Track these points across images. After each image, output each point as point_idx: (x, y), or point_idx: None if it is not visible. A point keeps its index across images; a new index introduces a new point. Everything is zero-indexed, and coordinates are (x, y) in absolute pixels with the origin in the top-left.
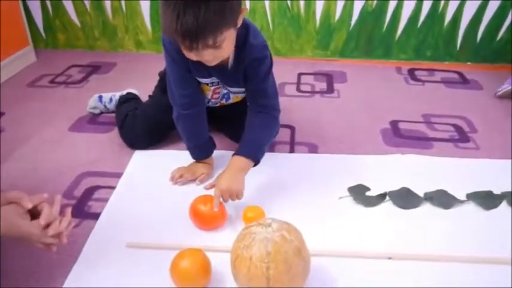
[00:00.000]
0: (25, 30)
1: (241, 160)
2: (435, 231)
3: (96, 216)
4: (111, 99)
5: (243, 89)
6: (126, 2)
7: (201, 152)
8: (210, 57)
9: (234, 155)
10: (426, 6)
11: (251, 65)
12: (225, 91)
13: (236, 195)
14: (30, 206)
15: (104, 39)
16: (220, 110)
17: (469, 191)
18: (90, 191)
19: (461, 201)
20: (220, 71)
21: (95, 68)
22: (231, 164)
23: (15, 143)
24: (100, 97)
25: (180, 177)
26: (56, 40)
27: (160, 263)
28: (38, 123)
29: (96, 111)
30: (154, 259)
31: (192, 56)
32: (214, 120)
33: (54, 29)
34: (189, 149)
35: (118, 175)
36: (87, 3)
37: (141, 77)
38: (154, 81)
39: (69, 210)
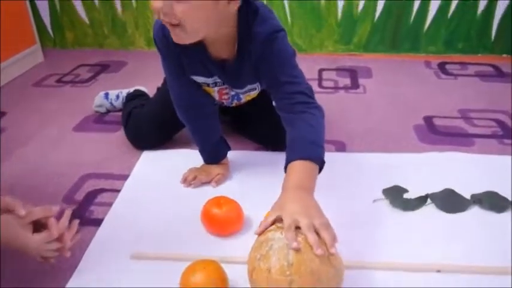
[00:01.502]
0: (32, 28)
1: (300, 168)
2: (489, 239)
3: (98, 222)
4: (117, 97)
5: (253, 86)
6: None
7: (211, 156)
8: (165, 8)
9: (286, 166)
10: None
11: (267, 59)
12: (233, 93)
13: (323, 228)
14: (23, 213)
15: (113, 37)
16: (236, 109)
17: None
18: (92, 194)
19: None
20: (221, 68)
21: (103, 67)
22: (289, 181)
23: (17, 143)
24: (106, 94)
25: (194, 179)
26: (64, 39)
27: (169, 277)
28: (41, 122)
29: (102, 109)
30: (162, 272)
31: (154, 6)
32: (229, 119)
33: (62, 27)
34: (200, 152)
35: (124, 177)
36: None
37: (152, 76)
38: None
39: (75, 223)
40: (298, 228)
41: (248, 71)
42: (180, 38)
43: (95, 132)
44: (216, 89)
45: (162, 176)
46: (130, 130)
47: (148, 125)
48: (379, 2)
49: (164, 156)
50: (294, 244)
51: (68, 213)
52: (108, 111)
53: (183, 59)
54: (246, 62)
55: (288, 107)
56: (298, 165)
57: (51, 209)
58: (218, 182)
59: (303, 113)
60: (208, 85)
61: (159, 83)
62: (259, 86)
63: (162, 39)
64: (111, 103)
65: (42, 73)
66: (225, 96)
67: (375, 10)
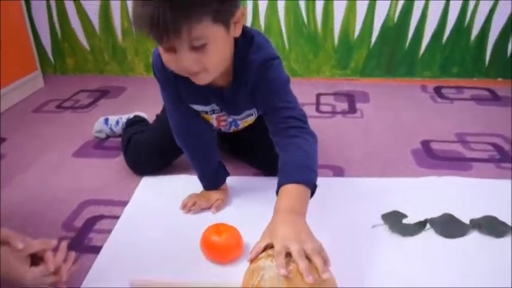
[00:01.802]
0: (33, 54)
1: (292, 192)
2: (488, 264)
3: (96, 250)
4: (117, 122)
5: (250, 112)
6: None
7: (210, 182)
8: (190, 62)
9: (278, 190)
10: (451, 20)
11: (262, 86)
12: (230, 119)
13: (314, 253)
14: (21, 247)
15: (113, 63)
16: (233, 135)
17: None
18: (91, 221)
19: None
20: (219, 96)
21: (103, 93)
22: (281, 204)
23: (16, 169)
24: (106, 120)
25: (193, 205)
26: (64, 65)
27: None
28: (41, 148)
29: (102, 135)
30: None
31: (172, 62)
32: (227, 145)
33: (63, 53)
34: (199, 178)
35: (123, 203)
36: (96, 25)
37: (151, 102)
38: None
39: (72, 255)
40: (289, 254)
41: (244, 97)
42: (205, 79)
43: (95, 158)
44: (214, 116)
45: (161, 202)
46: (129, 156)
47: (148, 151)
48: (374, 29)
49: (164, 182)
50: (282, 271)
51: (63, 245)
52: (108, 136)
53: (181, 88)
54: (242, 88)
55: (281, 131)
56: (290, 189)
57: (49, 243)
58: (218, 208)
59: (296, 138)
60: (206, 113)
61: (158, 109)
62: (255, 112)
63: (161, 70)
64: (110, 129)
65: (43, 99)
66: (223, 123)
67: (370, 36)
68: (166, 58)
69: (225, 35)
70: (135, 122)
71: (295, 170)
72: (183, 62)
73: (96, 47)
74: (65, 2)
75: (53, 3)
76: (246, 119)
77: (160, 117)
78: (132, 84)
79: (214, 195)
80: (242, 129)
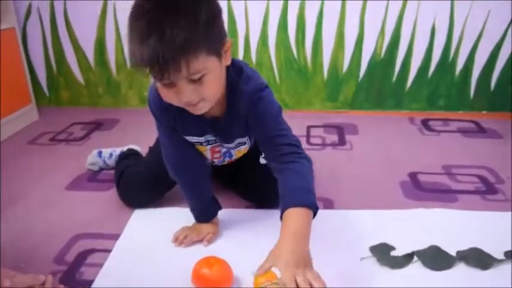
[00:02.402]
0: (28, 88)
1: (296, 215)
2: None
3: (88, 283)
4: (111, 155)
5: (243, 140)
6: None
7: (202, 215)
8: (190, 93)
9: (281, 215)
10: (436, 56)
11: (255, 114)
12: (224, 149)
13: (315, 279)
14: (8, 284)
15: (107, 96)
16: (227, 167)
17: (506, 249)
18: (83, 255)
19: (500, 261)
20: (213, 125)
21: (97, 125)
22: (286, 229)
23: (7, 203)
24: (99, 152)
25: (185, 238)
26: (59, 97)
27: None
28: (33, 181)
29: (95, 167)
30: None
31: (171, 96)
32: (220, 177)
33: (58, 87)
34: (191, 210)
35: (115, 237)
36: (91, 59)
37: (144, 132)
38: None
39: None
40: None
41: (237, 126)
42: (203, 109)
43: (88, 190)
44: (208, 147)
45: (153, 234)
46: (121, 189)
47: (140, 184)
48: (362, 63)
49: (155, 215)
50: None
51: (50, 279)
52: (101, 169)
53: (178, 121)
54: (235, 118)
55: (277, 158)
56: (294, 213)
57: (38, 278)
58: (209, 241)
59: (293, 163)
60: (201, 144)
61: (151, 141)
62: (248, 141)
63: (157, 105)
64: (104, 161)
65: (37, 131)
66: (217, 155)
67: (358, 70)
68: (165, 93)
69: (219, 65)
70: (128, 155)
71: (297, 194)
72: (183, 94)
73: (91, 81)
74: (61, 36)
75: (48, 38)
76: (239, 147)
77: (153, 150)
78: (125, 116)
79: (206, 228)
80: (235, 160)
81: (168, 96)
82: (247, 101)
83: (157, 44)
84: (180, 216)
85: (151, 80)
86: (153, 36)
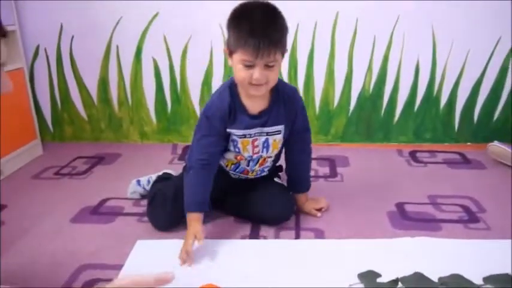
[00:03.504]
0: (34, 124)
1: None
2: None
3: None
4: (148, 181)
5: (279, 129)
6: (132, 94)
7: (196, 206)
8: (263, 76)
9: (299, 191)
10: (421, 91)
11: (293, 108)
12: (263, 138)
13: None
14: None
15: (109, 131)
16: (247, 182)
17: (485, 274)
18: (89, 284)
19: (479, 286)
20: (259, 117)
21: (99, 159)
22: (304, 196)
23: (16, 235)
24: (138, 181)
25: (187, 253)
26: (63, 133)
27: None
28: (39, 215)
29: (136, 195)
30: None
31: (248, 75)
32: (226, 194)
33: (62, 122)
34: (187, 199)
35: (119, 267)
36: (94, 96)
37: (144, 167)
38: (157, 171)
39: None
40: None
41: (278, 115)
42: (262, 91)
43: (91, 223)
44: (250, 140)
45: (154, 265)
46: (150, 209)
47: (166, 202)
48: (352, 98)
49: (156, 246)
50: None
51: None
52: (142, 196)
53: (235, 118)
54: (276, 109)
55: (303, 144)
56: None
57: None
58: (200, 239)
59: (309, 149)
60: (245, 136)
61: (150, 172)
62: (283, 130)
63: (219, 108)
64: (144, 188)
65: (42, 166)
66: (256, 149)
67: (348, 105)
68: (243, 72)
69: (281, 63)
70: (162, 179)
71: (305, 184)
72: (257, 75)
73: (94, 117)
74: (66, 75)
75: (54, 77)
76: (275, 136)
77: (181, 177)
78: (126, 151)
79: (192, 228)
80: (255, 177)
81: (242, 75)
82: (289, 98)
83: (263, 36)
84: (180, 247)
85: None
86: (260, 31)
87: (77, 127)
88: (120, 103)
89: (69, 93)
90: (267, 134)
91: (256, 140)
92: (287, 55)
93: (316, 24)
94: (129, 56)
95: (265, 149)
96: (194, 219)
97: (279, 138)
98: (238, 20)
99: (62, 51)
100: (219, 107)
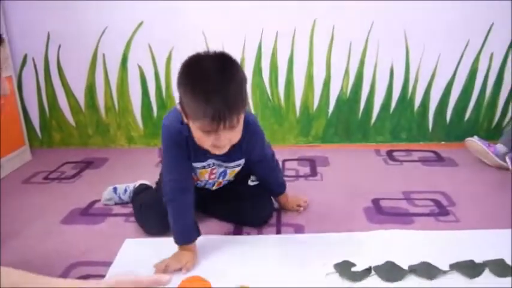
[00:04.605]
0: (22, 130)
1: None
2: None
3: None
4: (125, 190)
5: (240, 162)
6: (119, 100)
7: (185, 237)
8: (226, 140)
9: (277, 195)
10: (396, 93)
11: (251, 141)
12: (221, 169)
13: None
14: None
15: (97, 136)
16: (218, 190)
17: (452, 262)
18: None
19: (445, 272)
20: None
21: (87, 164)
22: (284, 196)
23: (7, 236)
24: (115, 188)
25: (166, 267)
26: (51, 139)
27: None
28: (30, 217)
29: (111, 202)
30: None
31: (209, 141)
32: (205, 203)
33: (50, 129)
34: (174, 233)
35: (108, 264)
36: (81, 103)
37: (132, 170)
38: (144, 173)
39: None
40: None
41: (237, 152)
42: (225, 150)
43: (81, 224)
44: (208, 169)
45: (142, 262)
46: (144, 221)
47: (155, 211)
48: (330, 101)
49: (144, 244)
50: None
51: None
52: (116, 203)
53: (191, 150)
54: (237, 146)
55: (265, 163)
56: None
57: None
58: (188, 269)
59: (273, 164)
60: (203, 167)
61: (138, 176)
62: (243, 163)
63: (178, 135)
64: (119, 197)
65: (31, 171)
66: (213, 176)
67: (327, 108)
68: (202, 138)
69: (243, 118)
70: (141, 191)
71: (280, 187)
72: (222, 140)
73: (81, 123)
74: (54, 83)
75: (42, 84)
76: (235, 168)
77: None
78: (114, 155)
79: (185, 257)
80: (224, 185)
81: (202, 140)
82: (250, 130)
83: (221, 104)
84: (167, 245)
85: (171, 112)
86: (217, 98)
87: (65, 133)
88: (107, 109)
89: (57, 100)
90: (226, 167)
91: (215, 169)
92: (267, 61)
93: (295, 32)
94: (115, 63)
95: (222, 177)
96: (187, 248)
97: (238, 168)
98: (192, 81)
99: (49, 59)
100: (181, 133)
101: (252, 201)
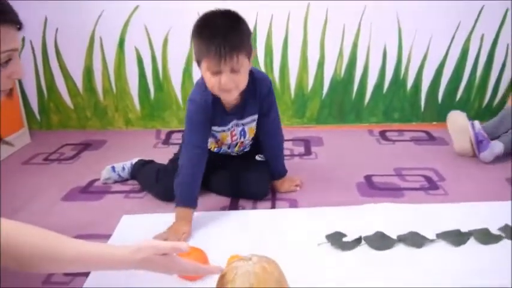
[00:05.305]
0: (21, 113)
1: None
2: (409, 269)
3: (85, 274)
4: (123, 168)
5: (254, 118)
6: (116, 83)
7: (187, 201)
8: (232, 83)
9: (278, 178)
10: (389, 74)
11: (267, 100)
12: (240, 128)
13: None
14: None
15: (95, 119)
16: (233, 158)
17: (439, 231)
18: None
19: (432, 240)
20: (235, 110)
21: (86, 146)
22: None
23: (9, 212)
24: (113, 167)
25: (165, 240)
26: (49, 121)
27: None
28: (31, 196)
29: (110, 181)
30: None
31: (217, 83)
32: (208, 175)
33: (48, 111)
34: (178, 195)
35: (107, 237)
36: (79, 86)
37: (130, 152)
38: (142, 155)
39: None
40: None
41: (252, 106)
42: (233, 95)
43: (81, 201)
44: (228, 132)
45: (139, 236)
46: (162, 184)
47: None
48: (324, 83)
49: (141, 219)
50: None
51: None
52: (115, 181)
53: (214, 115)
54: (249, 101)
55: (274, 141)
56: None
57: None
58: (185, 240)
59: (282, 146)
60: (224, 131)
61: (136, 156)
62: (256, 117)
63: (204, 103)
64: (118, 175)
65: (30, 153)
66: (235, 137)
67: (322, 89)
68: (212, 80)
69: (248, 65)
70: (143, 164)
71: (280, 171)
72: (224, 80)
73: (79, 105)
74: (52, 66)
75: (40, 67)
76: (250, 125)
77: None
78: (112, 137)
79: (181, 227)
80: (240, 154)
81: (213, 83)
82: (265, 87)
83: (221, 42)
84: (164, 220)
85: (198, 79)
86: (219, 37)
87: (63, 115)
88: (104, 91)
89: (54, 83)
90: (243, 124)
91: (234, 130)
92: (262, 44)
93: (289, 15)
94: (113, 46)
95: (242, 136)
96: (184, 218)
97: (254, 125)
98: (200, 29)
99: (47, 43)
100: (203, 106)
101: (256, 173)
